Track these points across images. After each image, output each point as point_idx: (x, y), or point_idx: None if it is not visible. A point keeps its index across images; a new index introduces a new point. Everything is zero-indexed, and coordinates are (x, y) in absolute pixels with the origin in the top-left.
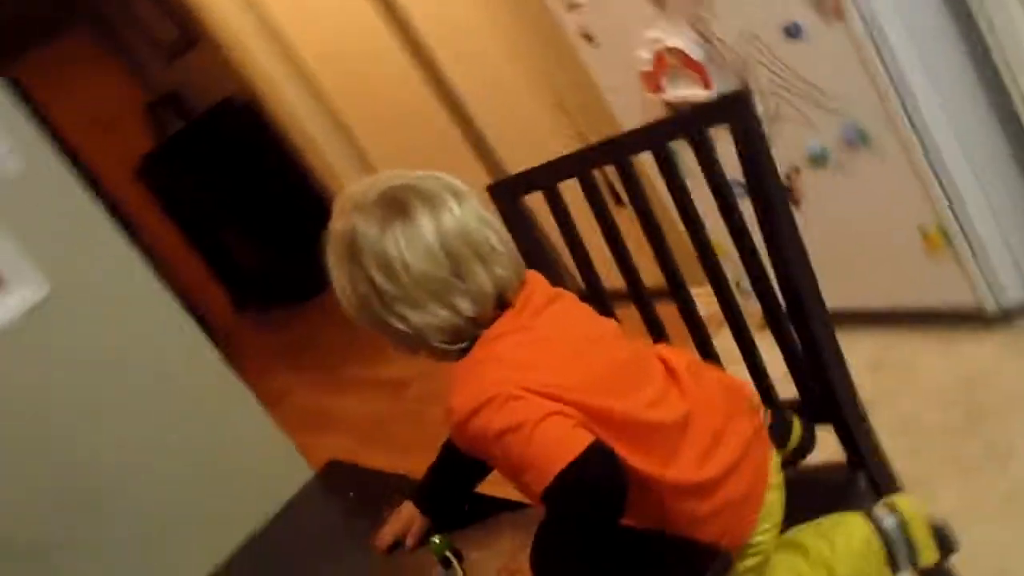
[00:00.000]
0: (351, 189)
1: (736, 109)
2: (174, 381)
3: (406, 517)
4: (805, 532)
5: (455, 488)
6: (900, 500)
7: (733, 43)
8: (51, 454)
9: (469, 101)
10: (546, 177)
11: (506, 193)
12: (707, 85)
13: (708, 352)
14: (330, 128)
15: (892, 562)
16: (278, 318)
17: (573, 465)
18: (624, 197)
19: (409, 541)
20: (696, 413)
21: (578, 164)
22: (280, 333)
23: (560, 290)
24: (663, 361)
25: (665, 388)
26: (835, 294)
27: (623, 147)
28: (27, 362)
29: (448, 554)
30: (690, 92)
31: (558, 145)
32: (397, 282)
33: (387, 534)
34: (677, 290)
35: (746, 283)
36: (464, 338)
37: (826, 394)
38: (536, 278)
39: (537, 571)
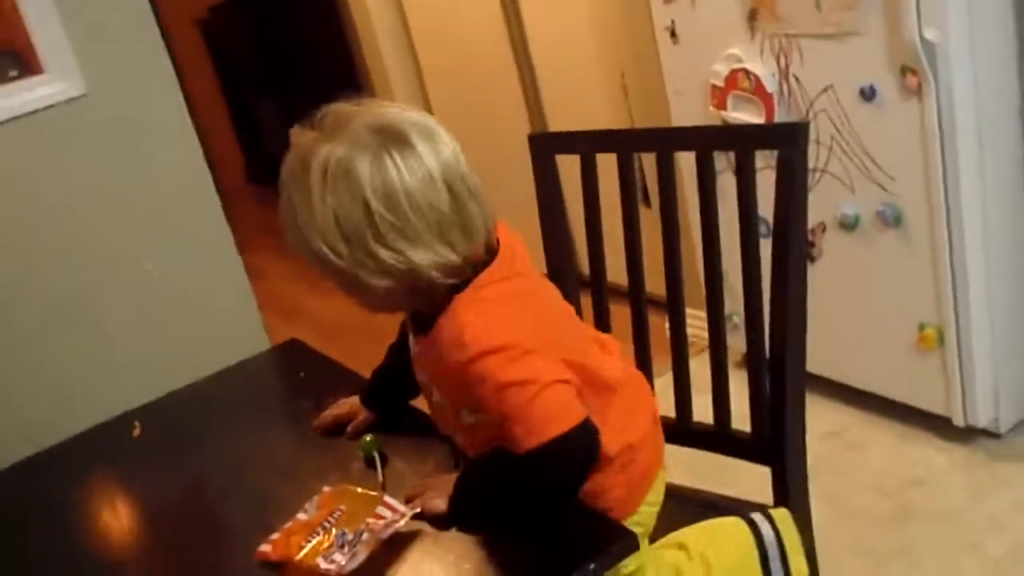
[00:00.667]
0: (325, 118)
1: (790, 138)
2: (174, 215)
3: (350, 406)
4: (688, 532)
5: (399, 391)
6: (776, 512)
7: (808, 85)
8: (40, 244)
9: (537, 51)
10: (588, 144)
11: (544, 146)
12: (769, 118)
13: (681, 374)
14: (395, 34)
15: (765, 568)
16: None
17: (566, 436)
18: (651, 200)
19: (349, 429)
20: (622, 385)
21: (622, 141)
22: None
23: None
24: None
25: (600, 356)
26: (818, 357)
27: (670, 139)
28: (40, 153)
29: (375, 454)
30: (751, 119)
31: (605, 123)
32: (397, 212)
33: (328, 416)
34: (674, 304)
35: (740, 319)
36: (457, 276)
37: (776, 437)
38: (505, 226)
39: (465, 492)
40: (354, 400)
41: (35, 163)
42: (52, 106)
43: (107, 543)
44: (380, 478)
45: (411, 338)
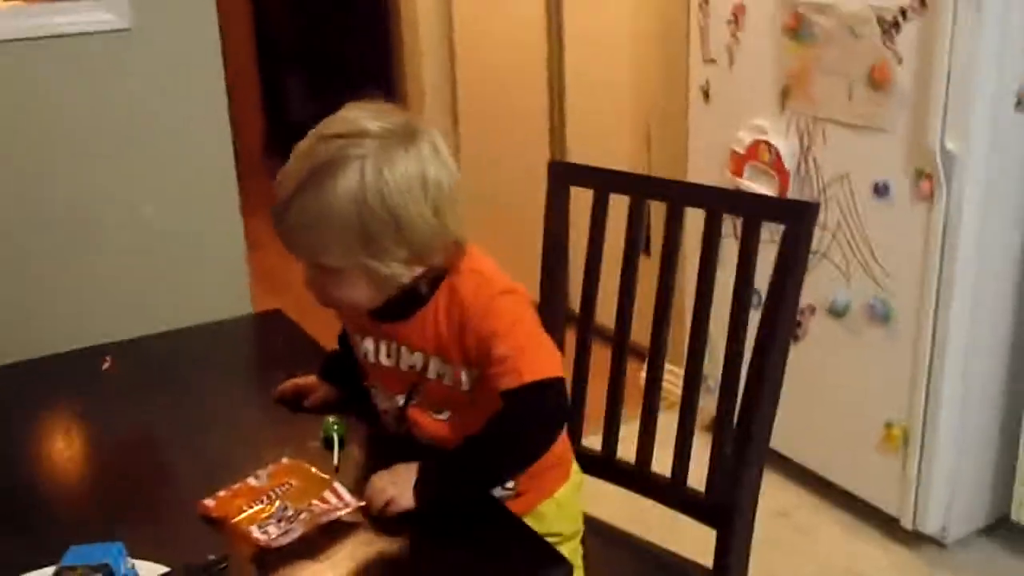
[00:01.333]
0: (341, 124)
1: (799, 216)
2: (187, 165)
3: (313, 379)
4: None
5: (355, 371)
6: None
7: (825, 170)
8: (49, 162)
9: (572, 84)
10: (605, 181)
11: (562, 175)
12: (781, 193)
13: (648, 424)
14: (438, 36)
15: None
16: None
17: (559, 380)
18: (652, 250)
19: (306, 403)
20: None
21: (639, 186)
22: None
23: None
24: None
25: None
26: (781, 433)
27: (685, 194)
28: (72, 76)
29: (334, 435)
30: (764, 191)
31: (622, 167)
32: (429, 200)
33: (290, 384)
34: (655, 357)
35: (715, 383)
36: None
37: (728, 502)
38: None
39: (438, 468)
40: (314, 379)
41: (65, 84)
42: (95, 33)
43: (51, 466)
44: (335, 461)
45: (368, 340)
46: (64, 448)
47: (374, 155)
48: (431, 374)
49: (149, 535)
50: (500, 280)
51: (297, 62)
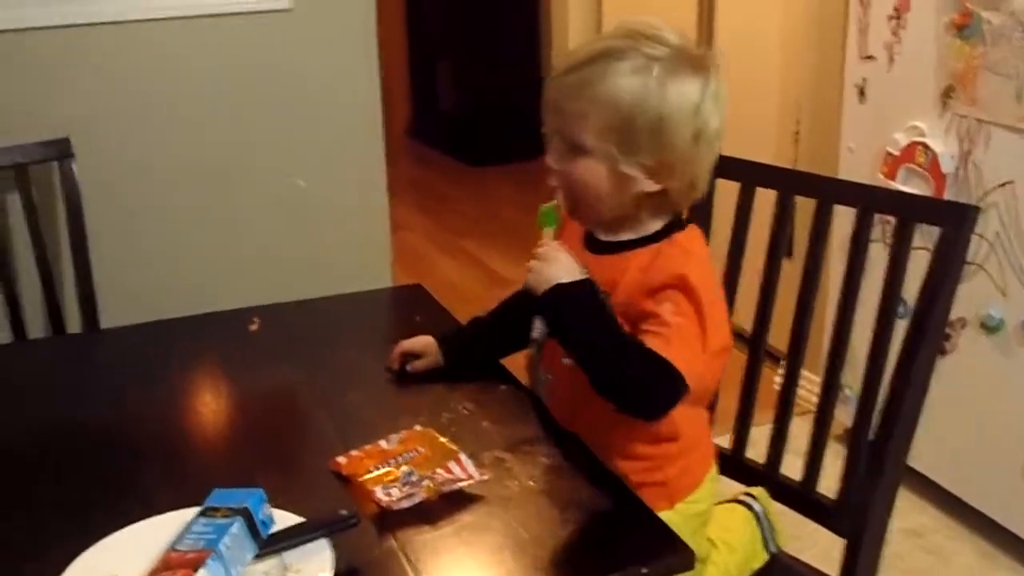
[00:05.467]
0: (647, 26)
1: (957, 219)
2: (339, 141)
3: (424, 345)
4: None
5: (483, 344)
6: (757, 491)
7: (987, 175)
8: (211, 135)
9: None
10: (751, 174)
11: None
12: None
13: (780, 430)
14: (587, 32)
15: (763, 540)
16: (435, 162)
17: (678, 376)
18: (795, 252)
19: (411, 366)
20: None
21: (786, 180)
22: (429, 174)
23: None
24: None
25: None
26: (919, 450)
27: (836, 190)
28: (234, 53)
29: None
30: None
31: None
32: (693, 126)
33: (402, 347)
34: (792, 362)
35: (852, 393)
36: (674, 210)
37: (861, 509)
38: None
39: (577, 300)
40: (429, 340)
41: (229, 60)
42: (256, 12)
43: (200, 416)
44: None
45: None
46: (211, 400)
47: (667, 62)
48: None
49: (285, 486)
50: (707, 270)
51: (446, 50)
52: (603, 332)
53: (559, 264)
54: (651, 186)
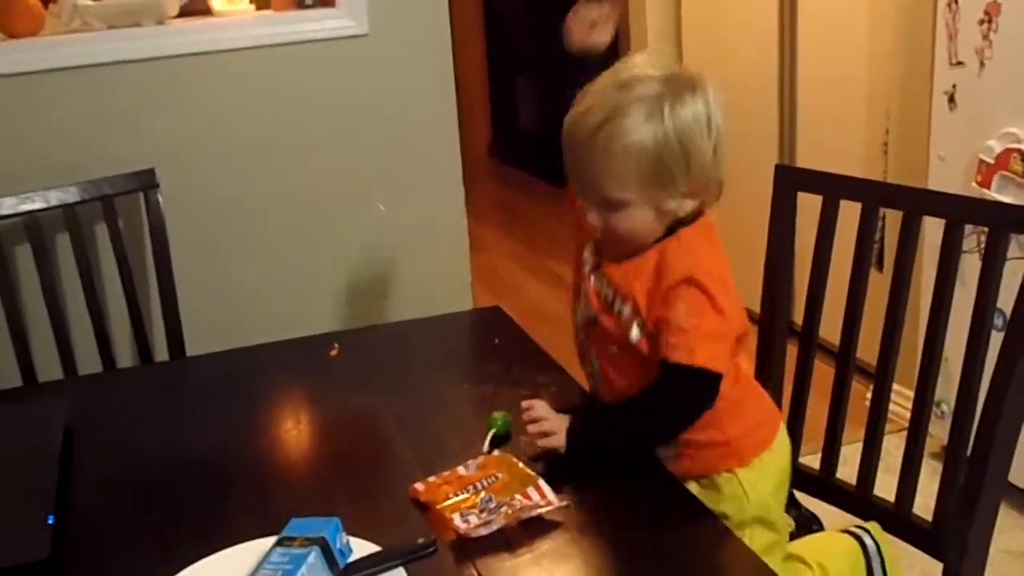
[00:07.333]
0: (632, 69)
1: None
2: (417, 164)
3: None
4: (801, 544)
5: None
6: (872, 526)
7: None
8: (289, 162)
9: (804, 86)
10: (835, 187)
11: (790, 180)
12: None
13: (872, 448)
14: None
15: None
16: (517, 182)
17: (708, 373)
18: (884, 264)
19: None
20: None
21: (871, 192)
22: (511, 194)
23: None
24: None
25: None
26: (1021, 467)
27: (923, 201)
28: (310, 80)
29: (496, 431)
30: (1015, 203)
31: (856, 173)
32: (711, 139)
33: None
34: (882, 377)
35: (947, 408)
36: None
37: (960, 533)
38: None
39: (589, 420)
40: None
41: (308, 86)
42: (334, 39)
43: (279, 443)
44: (484, 447)
45: (588, 251)
46: (292, 427)
47: (668, 95)
48: (615, 310)
49: (363, 513)
50: (719, 260)
51: (526, 68)
52: (622, 420)
53: (552, 422)
54: (690, 206)
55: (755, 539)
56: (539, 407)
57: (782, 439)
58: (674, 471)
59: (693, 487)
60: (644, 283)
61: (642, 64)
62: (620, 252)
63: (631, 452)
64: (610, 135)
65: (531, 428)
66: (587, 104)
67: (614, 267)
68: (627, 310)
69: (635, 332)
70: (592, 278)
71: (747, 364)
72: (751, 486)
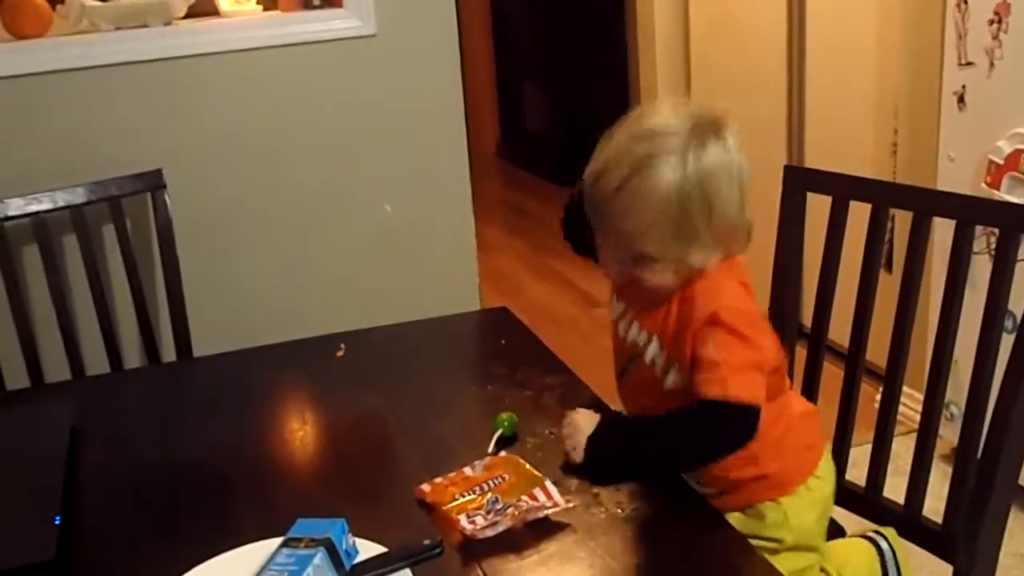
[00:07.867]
0: (650, 120)
1: None
2: (424, 165)
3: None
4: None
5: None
6: (887, 531)
7: None
8: (297, 160)
9: (813, 88)
10: (845, 187)
11: (799, 180)
12: None
13: (882, 450)
14: (673, 48)
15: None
16: (525, 182)
17: (744, 407)
18: (894, 266)
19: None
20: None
21: (881, 193)
22: (518, 195)
23: None
24: None
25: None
26: None
27: (933, 202)
28: (318, 80)
29: (502, 432)
30: None
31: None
32: (736, 185)
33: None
34: (892, 379)
35: (957, 410)
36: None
37: (969, 535)
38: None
39: (611, 431)
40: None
41: (315, 86)
42: (342, 39)
43: (284, 446)
44: (490, 448)
45: (618, 305)
46: (298, 428)
47: (690, 146)
48: (647, 357)
49: (369, 514)
50: (742, 296)
51: (534, 72)
52: (648, 439)
53: (581, 427)
54: (717, 256)
55: (793, 559)
56: (572, 422)
57: (827, 465)
58: (717, 506)
59: (736, 516)
60: (672, 324)
61: (659, 114)
62: (645, 302)
63: (651, 473)
64: (632, 193)
65: (564, 440)
66: (601, 165)
67: (644, 315)
68: (656, 349)
69: (670, 380)
70: (620, 325)
71: (797, 401)
72: (795, 514)
